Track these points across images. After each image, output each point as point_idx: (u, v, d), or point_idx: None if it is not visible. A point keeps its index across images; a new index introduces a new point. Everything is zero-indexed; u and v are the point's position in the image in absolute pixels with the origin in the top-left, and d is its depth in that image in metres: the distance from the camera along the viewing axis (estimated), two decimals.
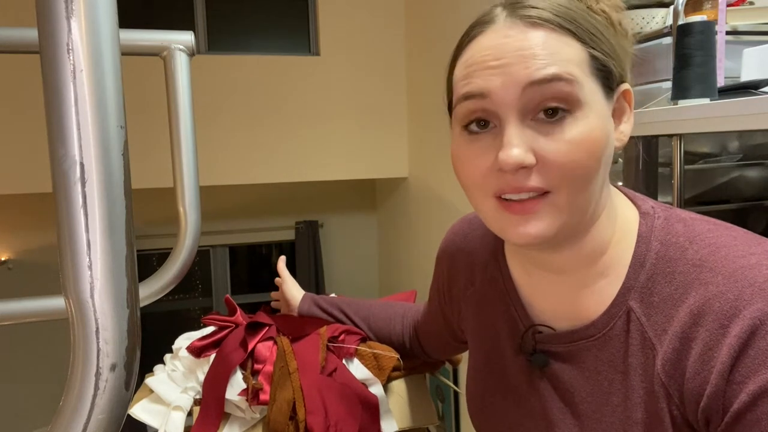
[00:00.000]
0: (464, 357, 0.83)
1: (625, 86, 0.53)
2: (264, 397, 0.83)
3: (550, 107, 0.47)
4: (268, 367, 0.86)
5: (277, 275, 1.03)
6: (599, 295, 0.54)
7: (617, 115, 0.53)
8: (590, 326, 0.54)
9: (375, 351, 0.89)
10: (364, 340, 0.92)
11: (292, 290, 1.00)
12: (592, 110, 0.48)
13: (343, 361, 0.88)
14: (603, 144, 0.49)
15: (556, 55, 0.47)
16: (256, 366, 0.87)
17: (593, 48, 0.49)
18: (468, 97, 0.49)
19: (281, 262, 1.03)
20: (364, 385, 0.87)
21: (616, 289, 0.53)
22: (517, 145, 0.47)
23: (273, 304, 1.05)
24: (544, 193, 0.48)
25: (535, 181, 0.48)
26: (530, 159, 0.47)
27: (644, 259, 0.52)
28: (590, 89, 0.48)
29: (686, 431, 0.48)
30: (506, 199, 0.49)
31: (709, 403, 0.45)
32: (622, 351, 0.52)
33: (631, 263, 0.52)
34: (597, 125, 0.48)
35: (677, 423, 0.48)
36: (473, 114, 0.50)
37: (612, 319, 0.53)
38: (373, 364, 0.89)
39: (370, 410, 0.84)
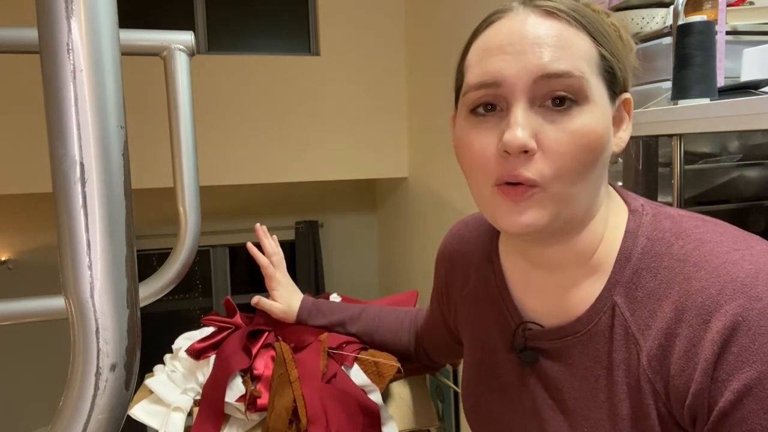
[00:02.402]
0: None
1: (627, 95, 0.54)
2: (262, 402, 0.83)
3: (559, 96, 0.48)
4: (267, 372, 0.86)
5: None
6: (586, 292, 0.54)
7: (616, 122, 0.54)
8: (576, 322, 0.55)
9: (376, 359, 0.89)
10: (365, 348, 0.92)
11: (277, 306, 0.95)
12: (597, 106, 0.49)
13: (342, 368, 0.88)
14: (603, 142, 0.49)
15: (570, 48, 0.48)
16: (256, 372, 0.86)
17: (602, 47, 0.50)
18: (481, 86, 0.50)
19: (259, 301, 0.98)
20: (363, 391, 0.87)
21: (603, 284, 0.53)
22: (523, 127, 0.47)
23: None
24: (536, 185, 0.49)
25: (530, 171, 0.48)
26: (532, 144, 0.48)
27: (630, 255, 0.52)
28: (597, 88, 0.50)
29: (673, 427, 0.48)
30: (505, 185, 0.50)
31: (694, 401, 0.45)
32: (606, 347, 0.52)
33: (617, 258, 0.53)
34: (600, 121, 0.49)
35: (664, 419, 0.48)
36: (482, 99, 0.51)
37: (597, 314, 0.53)
38: (374, 370, 0.89)
39: (370, 418, 0.84)
